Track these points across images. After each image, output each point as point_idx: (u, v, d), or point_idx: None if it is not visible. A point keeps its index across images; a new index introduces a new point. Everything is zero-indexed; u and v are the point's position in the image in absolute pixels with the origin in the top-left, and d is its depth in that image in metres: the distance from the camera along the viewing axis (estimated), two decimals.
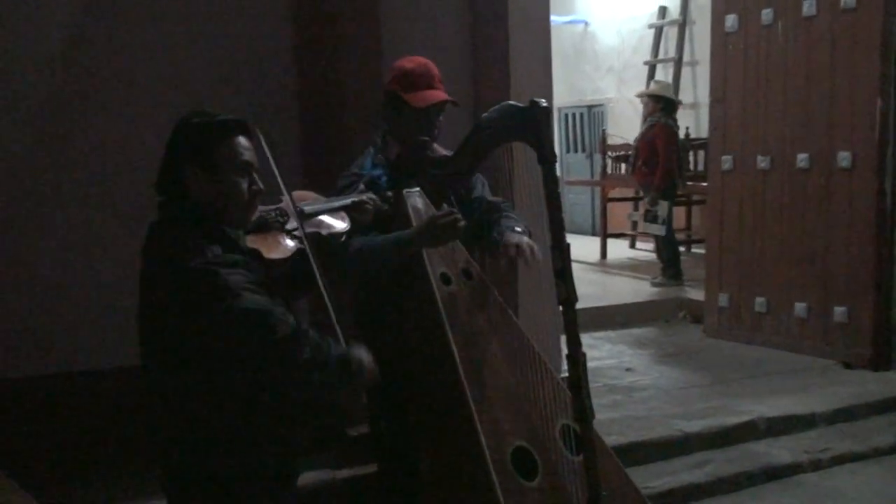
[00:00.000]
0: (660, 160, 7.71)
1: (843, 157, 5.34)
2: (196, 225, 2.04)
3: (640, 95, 8.63)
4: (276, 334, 1.90)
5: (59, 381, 3.58)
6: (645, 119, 8.21)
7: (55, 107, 3.60)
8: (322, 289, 2.19)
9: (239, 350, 1.93)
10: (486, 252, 2.92)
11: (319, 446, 3.57)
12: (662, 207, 7.88)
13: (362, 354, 2.11)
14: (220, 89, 3.70)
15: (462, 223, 2.55)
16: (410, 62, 2.78)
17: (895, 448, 4.35)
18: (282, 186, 2.30)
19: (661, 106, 7.90)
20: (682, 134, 8.39)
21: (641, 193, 8.64)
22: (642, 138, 8.08)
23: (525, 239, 2.70)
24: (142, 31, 3.66)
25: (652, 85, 9.30)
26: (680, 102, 8.56)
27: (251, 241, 2.20)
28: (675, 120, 7.97)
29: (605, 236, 9.59)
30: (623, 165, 9.76)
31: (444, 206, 2.64)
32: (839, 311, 5.44)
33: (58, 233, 3.62)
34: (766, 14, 5.68)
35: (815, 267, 5.55)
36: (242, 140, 2.11)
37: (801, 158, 5.55)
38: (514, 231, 2.74)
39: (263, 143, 2.15)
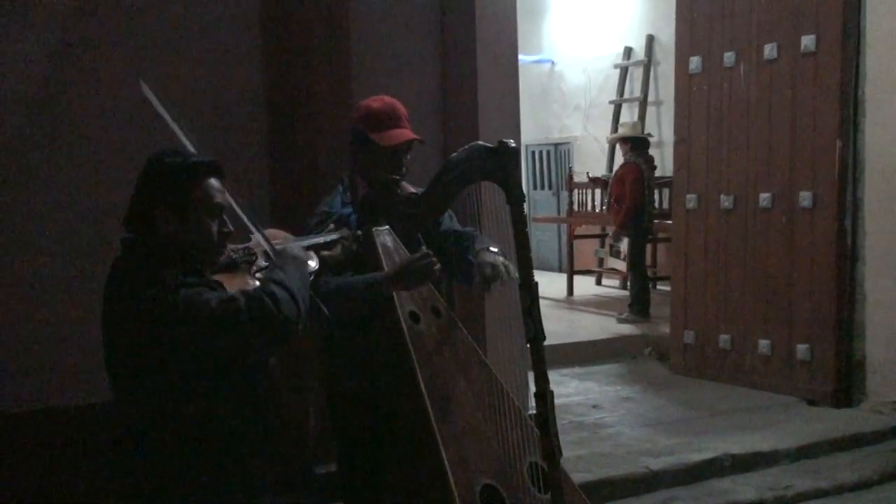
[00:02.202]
0: (626, 197, 7.83)
1: (805, 197, 5.44)
2: (162, 261, 2.02)
3: (610, 141, 8.79)
4: (243, 310, 1.93)
5: (27, 419, 3.53)
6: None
7: (26, 137, 3.59)
8: None
9: (222, 342, 1.95)
10: (459, 281, 2.91)
11: (286, 485, 3.54)
12: (624, 244, 8.03)
13: (296, 253, 2.24)
14: (189, 122, 3.69)
15: (438, 266, 2.56)
16: (376, 101, 2.77)
17: (858, 485, 4.38)
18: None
19: (631, 146, 8.06)
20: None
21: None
22: (614, 176, 8.28)
23: (500, 259, 2.68)
24: (112, 67, 3.67)
25: (620, 129, 9.43)
26: (650, 135, 8.73)
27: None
28: (646, 157, 8.10)
29: (571, 273, 9.63)
30: (589, 202, 9.87)
31: (423, 247, 2.63)
32: (802, 349, 5.50)
33: (24, 269, 3.58)
34: (729, 57, 5.81)
35: (778, 305, 5.63)
36: (214, 182, 2.09)
37: (764, 198, 5.65)
38: (489, 251, 2.72)
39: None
